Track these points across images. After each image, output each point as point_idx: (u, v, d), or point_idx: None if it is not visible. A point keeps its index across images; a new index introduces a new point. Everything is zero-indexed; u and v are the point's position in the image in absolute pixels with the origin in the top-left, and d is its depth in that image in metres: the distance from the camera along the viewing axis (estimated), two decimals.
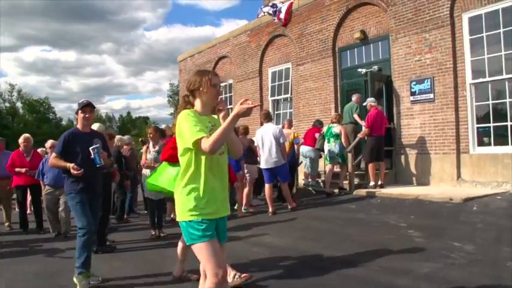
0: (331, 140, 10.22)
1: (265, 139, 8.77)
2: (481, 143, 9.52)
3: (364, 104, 10.51)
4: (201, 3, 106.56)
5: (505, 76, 9.03)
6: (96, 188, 5.12)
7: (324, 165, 11.15)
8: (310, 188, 11.02)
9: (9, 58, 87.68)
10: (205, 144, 2.84)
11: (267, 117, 9.05)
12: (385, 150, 10.68)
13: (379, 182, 10.00)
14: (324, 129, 10.67)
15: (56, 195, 7.82)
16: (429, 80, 10.06)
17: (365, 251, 5.57)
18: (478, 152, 9.47)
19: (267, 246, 6.33)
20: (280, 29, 14.25)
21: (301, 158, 11.04)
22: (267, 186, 8.98)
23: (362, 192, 9.76)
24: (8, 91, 55.52)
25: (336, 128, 10.21)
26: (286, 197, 9.19)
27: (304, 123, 13.24)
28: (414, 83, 10.36)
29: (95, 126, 7.13)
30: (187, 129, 2.92)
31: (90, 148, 4.78)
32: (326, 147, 10.34)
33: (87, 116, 4.97)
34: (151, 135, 7.90)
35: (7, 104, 55.24)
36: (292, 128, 11.06)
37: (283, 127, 10.74)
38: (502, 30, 9.02)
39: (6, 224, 8.87)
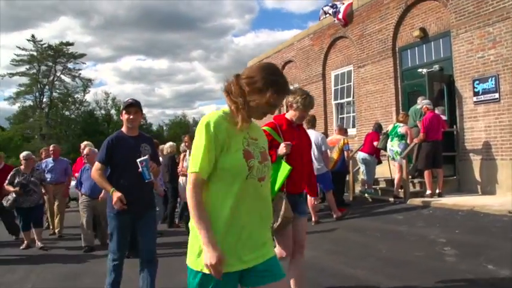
0: (395, 139, 9.69)
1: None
2: None
3: (419, 106, 9.80)
4: (287, 7, 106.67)
5: None
6: (144, 203, 4.28)
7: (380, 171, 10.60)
8: (366, 196, 10.53)
9: (108, 68, 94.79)
10: (189, 184, 2.19)
11: (309, 123, 8.76)
12: (448, 156, 9.91)
13: (437, 191, 9.24)
14: (389, 127, 10.18)
15: (92, 205, 7.52)
16: (493, 78, 9.10)
17: (385, 269, 5.18)
18: None
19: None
20: (341, 31, 13.81)
21: (358, 165, 10.57)
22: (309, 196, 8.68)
23: (417, 201, 9.09)
24: (103, 99, 60.15)
25: (402, 128, 9.67)
26: (330, 206, 8.85)
27: (365, 128, 12.67)
28: (477, 82, 9.44)
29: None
30: (193, 151, 2.22)
31: (138, 161, 4.07)
32: (389, 146, 9.82)
33: (131, 117, 4.21)
34: (187, 144, 8.05)
35: (103, 112, 59.89)
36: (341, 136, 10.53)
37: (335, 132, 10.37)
38: None
39: (57, 230, 9.01)
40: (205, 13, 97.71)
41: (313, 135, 8.43)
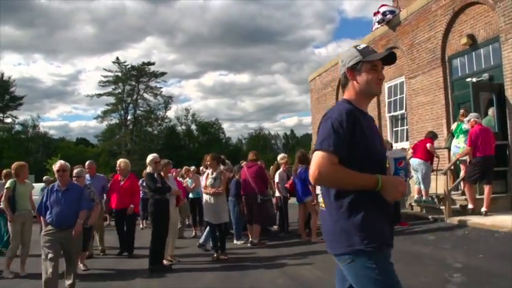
0: (461, 136, 9.30)
1: None
2: None
3: (466, 119, 9.17)
4: (368, 15, 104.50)
5: None
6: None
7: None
8: (422, 205, 10.03)
9: (192, 84, 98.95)
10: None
11: None
12: (499, 171, 9.19)
13: (483, 209, 8.56)
14: (453, 126, 9.82)
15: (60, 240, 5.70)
16: None
17: None
18: None
19: (295, 279, 6.12)
20: (393, 41, 13.36)
21: (412, 172, 10.12)
22: None
23: (455, 220, 8.49)
24: (184, 115, 62.81)
25: (467, 124, 9.20)
26: None
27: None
28: None
29: (149, 158, 7.77)
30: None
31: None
32: (454, 144, 9.44)
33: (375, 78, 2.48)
34: (208, 163, 8.21)
35: (183, 127, 62.52)
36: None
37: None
38: None
39: (100, 247, 9.03)
40: (285, 26, 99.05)
41: None
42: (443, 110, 11.19)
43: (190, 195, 10.66)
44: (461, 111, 9.68)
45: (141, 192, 10.30)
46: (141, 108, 57.19)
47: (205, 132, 62.47)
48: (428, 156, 9.85)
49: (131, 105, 56.23)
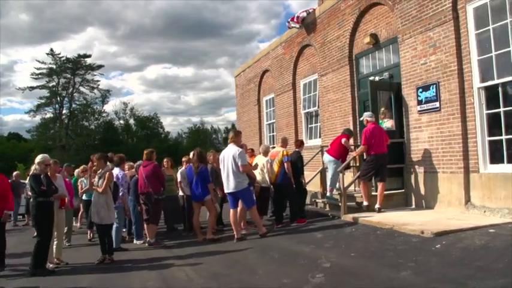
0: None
1: (224, 162, 8.19)
2: (493, 160, 7.76)
3: (361, 119, 9.31)
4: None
5: None
6: None
7: None
8: (326, 201, 10.28)
9: (135, 77, 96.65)
10: None
11: (232, 138, 8.44)
12: (397, 168, 9.42)
13: (376, 206, 8.73)
14: None
15: None
16: (434, 85, 8.55)
17: None
18: (490, 170, 7.73)
19: (167, 281, 6.01)
20: (307, 39, 13.42)
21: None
22: (231, 211, 8.36)
23: (349, 217, 8.60)
24: (122, 109, 61.21)
25: (388, 123, 9.49)
26: (256, 222, 8.48)
27: (328, 138, 12.21)
28: (420, 90, 8.90)
29: (39, 158, 7.31)
30: None
31: None
32: None
33: None
34: (95, 163, 7.90)
35: (122, 122, 60.95)
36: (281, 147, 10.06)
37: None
38: (508, 19, 7.29)
39: None
40: (231, 20, 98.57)
41: (232, 150, 8.14)
42: (350, 108, 11.35)
43: (84, 197, 9.96)
44: (382, 109, 9.85)
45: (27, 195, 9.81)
46: (77, 102, 55.12)
47: (143, 126, 61.07)
48: (340, 154, 9.92)
49: (66, 99, 54.04)
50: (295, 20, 13.13)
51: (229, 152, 8.16)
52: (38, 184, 6.95)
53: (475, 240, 6.02)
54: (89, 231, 10.18)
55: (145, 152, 9.29)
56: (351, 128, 10.97)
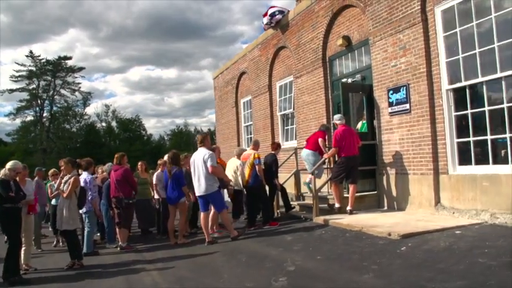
0: None
1: (195, 165, 8.13)
2: (462, 162, 7.81)
3: (333, 121, 9.30)
4: None
5: (480, 79, 7.30)
6: None
7: None
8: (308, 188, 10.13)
9: (118, 79, 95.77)
10: None
11: (200, 141, 8.36)
12: (369, 170, 9.45)
13: (348, 208, 8.73)
14: (358, 125, 10.08)
15: None
16: (404, 87, 8.59)
17: None
18: (459, 172, 7.78)
19: (134, 285, 5.87)
20: (282, 41, 13.41)
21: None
22: (202, 214, 8.30)
23: (320, 219, 8.58)
24: (104, 111, 60.57)
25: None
26: (226, 226, 8.41)
27: (303, 139, 12.13)
28: (391, 92, 8.93)
29: (9, 165, 7.12)
30: None
31: None
32: None
33: None
34: (63, 167, 7.79)
35: (104, 124, 60.30)
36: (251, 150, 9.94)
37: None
38: (474, 22, 7.34)
39: None
40: (214, 21, 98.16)
41: (201, 153, 8.07)
42: (324, 110, 11.35)
43: (53, 202, 9.61)
44: (364, 113, 9.87)
45: None
46: (58, 105, 54.29)
47: (126, 129, 60.52)
48: (317, 148, 9.82)
49: (47, 102, 53.25)
50: (268, 16, 13.07)
51: (199, 155, 8.10)
52: (6, 190, 6.79)
53: (440, 242, 6.04)
54: (55, 236, 9.95)
55: (116, 156, 9.17)
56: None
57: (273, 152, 10.18)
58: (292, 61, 13.01)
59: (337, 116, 9.09)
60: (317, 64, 11.56)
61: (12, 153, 51.32)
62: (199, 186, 8.06)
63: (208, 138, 8.56)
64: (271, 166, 9.84)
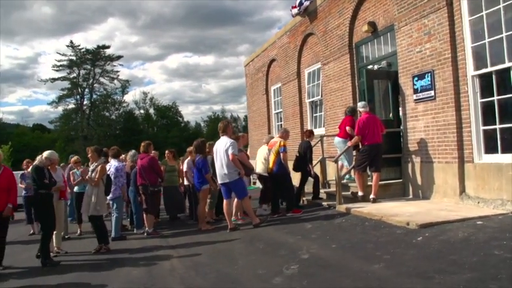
0: None
1: (217, 154, 8.28)
2: (488, 150, 7.60)
3: (357, 109, 9.21)
4: None
5: (507, 64, 7.05)
6: None
7: None
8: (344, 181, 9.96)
9: (156, 66, 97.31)
10: None
11: (223, 130, 8.49)
12: (395, 158, 9.34)
13: (371, 196, 8.68)
14: None
15: None
16: (429, 74, 8.39)
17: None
18: (485, 160, 7.59)
19: (150, 271, 6.13)
20: (310, 27, 13.29)
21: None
22: (224, 202, 8.47)
23: (343, 207, 8.59)
24: (142, 99, 61.76)
25: None
26: (248, 213, 8.55)
27: (331, 127, 12.17)
28: (416, 78, 8.75)
29: (47, 154, 7.52)
30: None
31: None
32: None
33: None
34: (90, 155, 8.09)
35: (142, 111, 61.54)
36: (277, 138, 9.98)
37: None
38: (502, 5, 7.07)
39: None
40: (251, 7, 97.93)
41: (223, 142, 8.20)
42: (350, 97, 11.23)
43: (76, 189, 9.84)
44: None
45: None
46: (98, 93, 55.98)
47: (163, 116, 61.60)
48: (348, 136, 9.74)
49: (87, 90, 54.92)
50: (296, 8, 12.99)
51: (221, 144, 8.24)
52: (41, 177, 7.15)
53: (458, 232, 5.94)
54: (79, 225, 10.16)
55: (142, 144, 9.45)
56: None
57: (306, 139, 10.24)
58: (319, 48, 12.89)
59: (360, 104, 9.01)
60: (343, 51, 11.42)
61: (55, 140, 53.43)
62: (221, 174, 8.21)
63: (230, 126, 8.66)
64: (305, 153, 9.92)
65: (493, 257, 4.76)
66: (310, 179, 10.19)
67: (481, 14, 7.43)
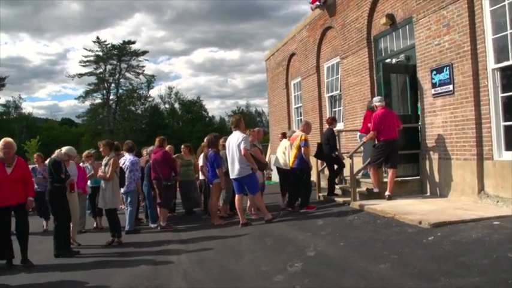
0: None
1: (229, 148, 8.22)
2: (509, 147, 7.30)
3: (373, 104, 8.99)
4: None
5: None
6: None
7: None
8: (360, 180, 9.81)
9: (182, 61, 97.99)
10: None
11: (235, 125, 8.42)
12: (412, 154, 9.10)
13: (386, 193, 8.47)
14: None
15: None
16: (448, 67, 8.11)
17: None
18: (505, 158, 7.28)
19: (157, 265, 6.12)
20: (329, 21, 13.06)
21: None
22: (236, 197, 8.41)
23: (357, 204, 8.41)
24: (167, 94, 62.28)
25: None
26: (260, 208, 8.47)
27: (349, 122, 11.97)
28: (434, 72, 8.47)
29: (66, 149, 7.64)
30: None
31: None
32: None
33: None
34: (101, 149, 8.14)
35: (167, 106, 62.07)
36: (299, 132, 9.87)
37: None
38: None
39: None
40: (277, 1, 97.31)
41: (235, 136, 8.14)
42: (369, 91, 10.98)
43: (89, 183, 9.73)
44: None
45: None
46: (124, 88, 56.78)
47: (188, 110, 62.02)
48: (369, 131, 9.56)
49: (113, 85, 55.76)
50: (317, 1, 12.80)
51: (234, 138, 8.18)
52: (58, 171, 7.24)
53: (472, 233, 5.71)
54: (94, 219, 10.16)
55: (157, 139, 9.46)
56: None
57: (329, 127, 10.09)
58: (338, 42, 12.66)
59: (376, 98, 8.79)
60: (362, 44, 11.17)
61: (82, 134, 54.50)
62: (233, 169, 8.16)
63: (242, 122, 8.57)
64: (328, 140, 9.79)
65: (506, 259, 4.53)
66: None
67: (503, 3, 7.10)
